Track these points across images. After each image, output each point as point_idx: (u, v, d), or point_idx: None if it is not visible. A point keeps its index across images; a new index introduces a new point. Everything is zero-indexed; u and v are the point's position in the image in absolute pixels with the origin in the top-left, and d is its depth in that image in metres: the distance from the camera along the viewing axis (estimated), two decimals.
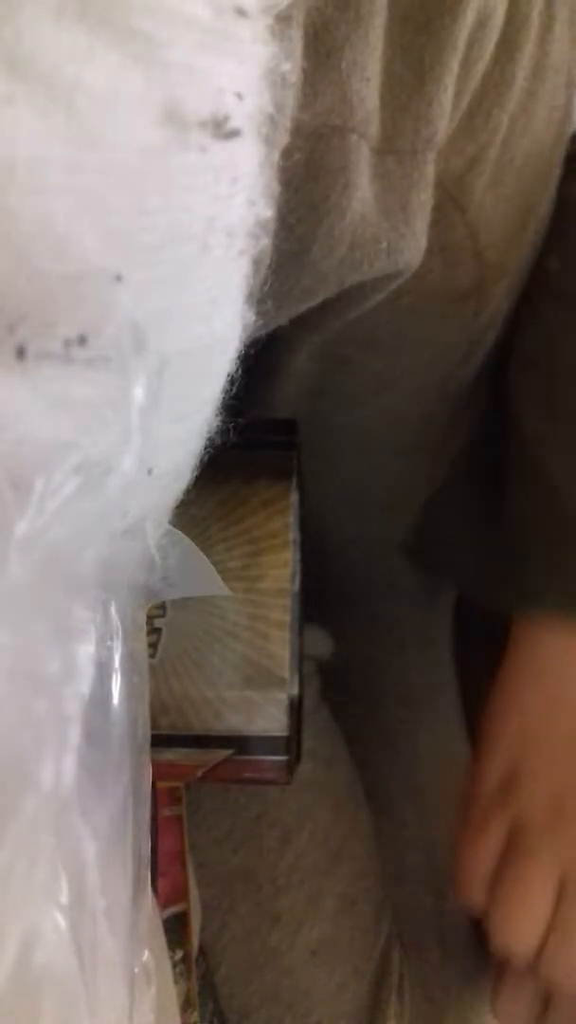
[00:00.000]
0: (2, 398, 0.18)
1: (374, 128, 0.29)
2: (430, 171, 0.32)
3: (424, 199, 0.33)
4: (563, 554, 0.42)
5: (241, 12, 0.20)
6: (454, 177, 0.35)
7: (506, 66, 0.34)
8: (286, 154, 0.24)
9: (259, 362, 0.26)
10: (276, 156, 0.22)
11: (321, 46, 0.26)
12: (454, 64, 0.31)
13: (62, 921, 0.23)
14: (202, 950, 0.47)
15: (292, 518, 0.38)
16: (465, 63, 0.32)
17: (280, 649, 0.37)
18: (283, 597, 0.37)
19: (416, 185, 0.32)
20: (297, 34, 0.24)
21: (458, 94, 0.32)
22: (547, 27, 0.36)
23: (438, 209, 0.35)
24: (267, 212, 0.22)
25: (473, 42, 0.32)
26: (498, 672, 0.45)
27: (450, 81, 0.31)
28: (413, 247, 0.34)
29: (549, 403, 0.43)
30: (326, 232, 0.29)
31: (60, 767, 0.23)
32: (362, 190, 0.30)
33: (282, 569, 0.37)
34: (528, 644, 0.44)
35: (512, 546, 0.44)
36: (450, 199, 0.35)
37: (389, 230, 0.32)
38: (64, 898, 0.23)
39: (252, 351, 0.26)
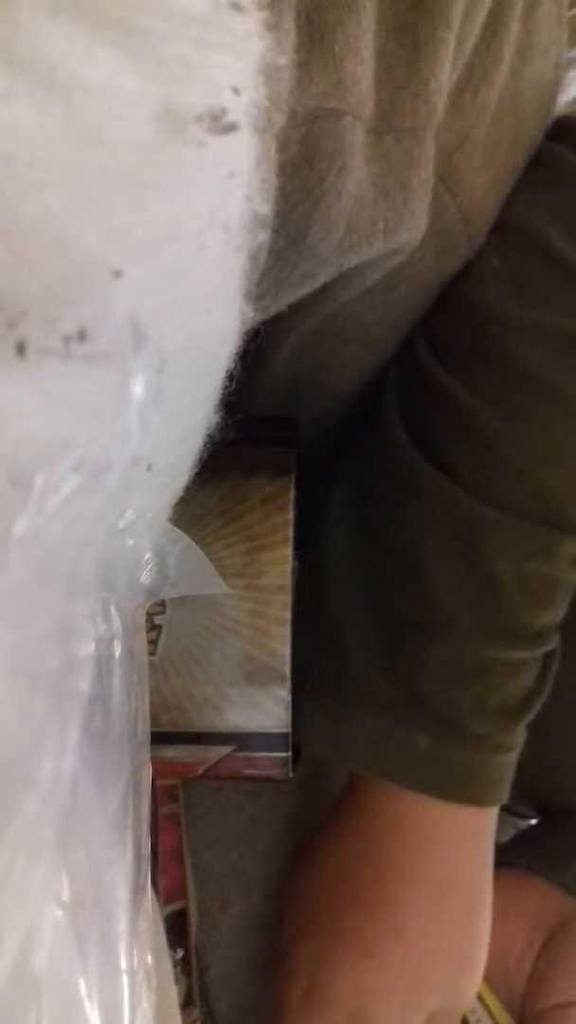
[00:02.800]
0: (2, 395, 0.18)
1: (369, 109, 0.29)
2: (429, 149, 0.32)
3: (424, 177, 0.33)
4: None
5: (236, 6, 0.20)
6: (444, 158, 0.35)
7: (491, 42, 0.34)
8: (281, 139, 0.24)
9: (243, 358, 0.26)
10: (273, 151, 0.22)
11: (314, 29, 0.26)
12: (450, 39, 0.31)
13: (62, 921, 0.23)
14: (196, 950, 0.47)
15: (292, 514, 0.38)
16: (458, 38, 0.31)
17: (280, 646, 0.37)
18: (283, 593, 0.37)
19: (416, 163, 0.32)
20: (290, 24, 0.24)
21: (452, 70, 0.32)
22: (532, 5, 0.36)
23: (435, 199, 0.35)
24: (264, 208, 0.22)
25: (466, 17, 0.32)
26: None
27: (446, 56, 0.31)
28: (412, 227, 0.33)
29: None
30: (323, 215, 0.29)
31: (60, 766, 0.23)
32: (358, 172, 0.30)
33: (282, 565, 0.37)
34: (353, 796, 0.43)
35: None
36: (441, 181, 0.35)
37: (387, 210, 0.32)
38: (64, 897, 0.23)
39: (252, 348, 0.26)
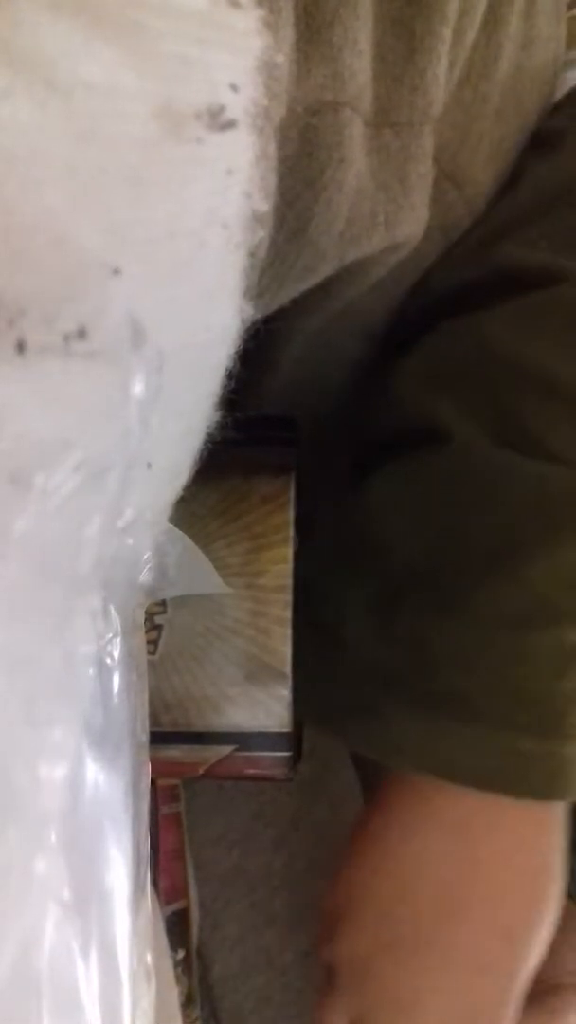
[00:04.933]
0: (2, 393, 0.18)
1: (367, 102, 0.29)
2: (428, 143, 0.32)
3: (423, 171, 0.33)
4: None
5: (235, 4, 0.20)
6: (449, 155, 0.35)
7: (491, 37, 0.34)
8: (280, 133, 0.24)
9: (248, 357, 0.26)
10: (272, 148, 0.22)
11: (312, 21, 0.26)
12: (446, 33, 0.31)
13: (62, 921, 0.23)
14: (198, 950, 0.47)
15: (292, 514, 0.38)
16: (456, 32, 0.32)
17: (281, 645, 0.37)
18: (284, 593, 0.37)
19: (414, 157, 0.32)
20: (289, 20, 0.24)
21: (451, 65, 0.32)
22: (532, 1, 0.36)
23: (436, 187, 0.35)
24: (263, 205, 0.22)
25: (463, 12, 0.32)
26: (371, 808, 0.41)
27: (443, 51, 0.31)
28: (412, 220, 0.33)
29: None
30: (323, 208, 0.29)
31: (59, 766, 0.23)
32: (357, 164, 0.30)
33: (283, 565, 0.37)
34: (391, 788, 0.41)
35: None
36: (447, 178, 0.35)
37: (386, 203, 0.32)
38: (64, 897, 0.23)
39: (251, 346, 0.26)
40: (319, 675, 0.38)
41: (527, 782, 0.36)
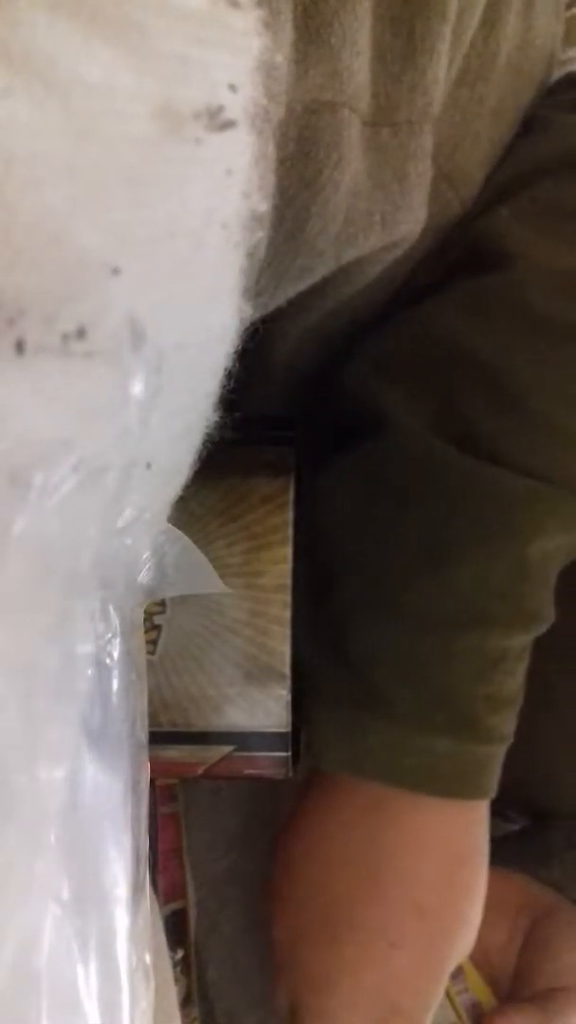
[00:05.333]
0: (1, 393, 0.18)
1: (365, 102, 0.29)
2: (427, 142, 0.32)
3: (422, 170, 0.33)
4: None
5: (234, 4, 0.20)
6: (446, 156, 0.35)
7: (488, 37, 0.34)
8: (279, 133, 0.24)
9: (243, 356, 0.26)
10: (271, 148, 0.22)
11: (310, 22, 0.26)
12: (446, 32, 0.31)
13: (62, 920, 0.23)
14: (195, 949, 0.47)
15: (291, 514, 0.38)
16: (454, 31, 0.32)
17: (280, 645, 0.37)
18: (283, 593, 0.37)
19: (413, 156, 0.32)
20: (287, 20, 0.24)
21: (449, 63, 0.32)
22: (530, 1, 0.36)
23: (432, 187, 0.35)
24: (262, 205, 0.22)
25: (462, 10, 0.32)
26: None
27: (443, 50, 0.31)
28: (410, 219, 0.33)
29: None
30: (320, 208, 0.29)
31: (59, 766, 0.23)
32: (355, 164, 0.30)
33: (282, 565, 0.37)
34: (315, 775, 0.41)
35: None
36: (444, 179, 0.35)
37: (384, 202, 0.32)
38: (64, 897, 0.23)
39: (251, 346, 0.26)
40: None
41: (438, 781, 0.37)
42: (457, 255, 0.38)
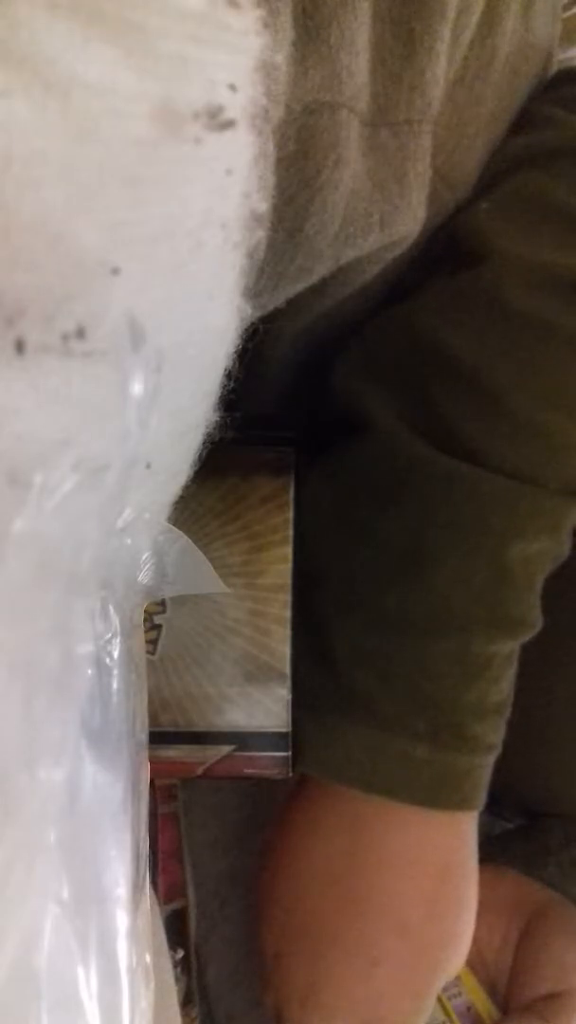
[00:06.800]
0: (1, 393, 0.18)
1: (364, 102, 0.29)
2: (426, 142, 0.32)
3: (421, 170, 0.33)
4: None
5: (233, 4, 0.20)
6: (444, 155, 0.35)
7: (487, 38, 0.34)
8: (278, 133, 0.24)
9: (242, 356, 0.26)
10: (270, 148, 0.22)
11: (310, 22, 0.26)
12: (445, 32, 0.31)
13: (62, 920, 0.23)
14: (196, 951, 0.47)
15: (291, 513, 0.38)
16: (453, 31, 0.31)
17: (280, 645, 0.37)
18: (283, 593, 0.37)
19: (412, 157, 0.32)
20: (287, 21, 0.24)
21: (448, 64, 0.32)
22: (529, 3, 0.36)
23: (430, 188, 0.35)
24: (262, 205, 0.22)
25: (461, 10, 0.32)
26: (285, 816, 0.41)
27: (442, 49, 0.31)
28: (409, 219, 0.33)
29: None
30: (319, 208, 0.29)
31: (59, 765, 0.23)
32: (354, 164, 0.30)
33: (282, 564, 0.37)
34: (301, 785, 0.40)
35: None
36: (442, 179, 0.35)
37: (382, 203, 0.32)
38: (64, 897, 0.23)
39: (250, 345, 0.26)
40: None
41: (417, 790, 0.36)
42: (438, 250, 0.38)
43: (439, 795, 0.37)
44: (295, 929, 0.39)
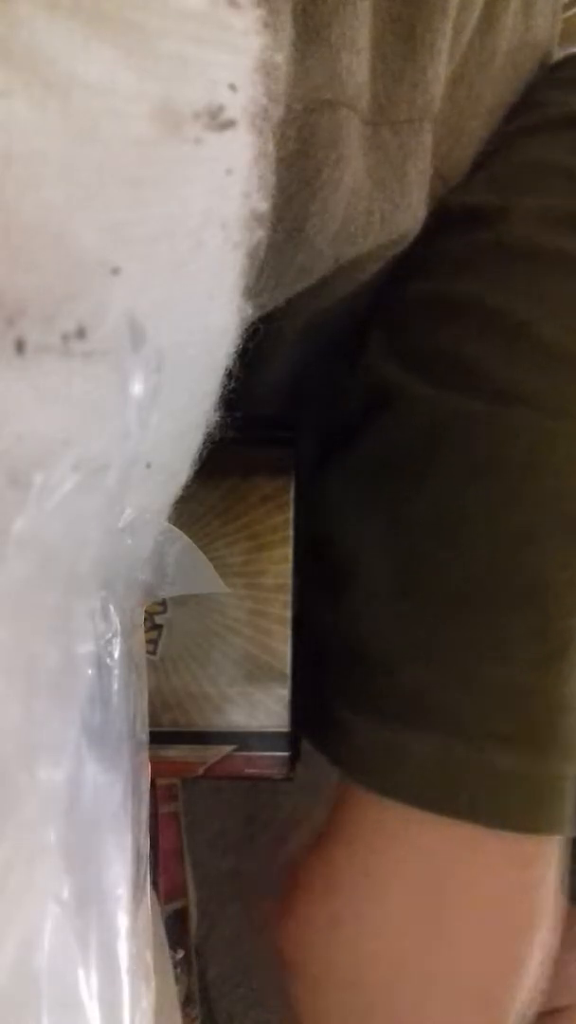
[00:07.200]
0: (1, 393, 0.18)
1: (365, 100, 0.29)
2: (427, 140, 0.32)
3: (422, 168, 0.32)
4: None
5: (234, 3, 0.20)
6: (442, 153, 0.35)
7: (486, 35, 0.34)
8: (278, 133, 0.24)
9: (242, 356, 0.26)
10: (271, 147, 0.22)
11: (310, 21, 0.26)
12: (447, 29, 0.31)
13: (62, 920, 0.23)
14: (196, 951, 0.47)
15: (292, 513, 0.38)
16: (454, 28, 0.31)
17: (281, 645, 0.37)
18: (284, 593, 0.37)
19: (413, 155, 0.32)
20: (287, 20, 0.24)
21: (448, 61, 0.32)
22: (529, 1, 0.36)
23: (430, 186, 0.35)
24: (262, 205, 0.22)
25: (462, 8, 0.32)
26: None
27: (444, 46, 0.31)
28: (409, 218, 0.33)
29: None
30: (320, 207, 0.29)
31: (59, 765, 0.23)
32: (354, 163, 0.29)
33: (283, 564, 0.37)
34: (345, 809, 0.33)
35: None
36: (438, 175, 0.35)
37: (383, 201, 0.32)
38: (64, 896, 0.23)
39: (251, 346, 0.26)
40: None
41: (506, 810, 0.30)
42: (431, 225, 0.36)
43: (536, 816, 0.30)
44: (362, 1011, 0.31)
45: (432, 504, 0.31)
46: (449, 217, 0.36)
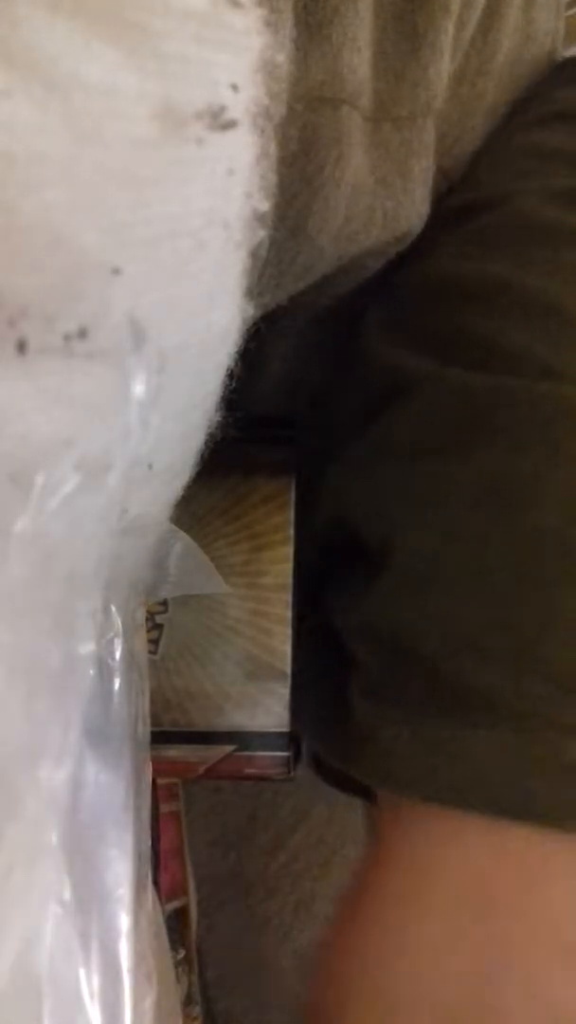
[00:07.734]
0: (3, 393, 0.18)
1: (366, 98, 0.29)
2: (430, 137, 0.32)
3: (425, 165, 0.32)
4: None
5: (235, 3, 0.20)
6: (444, 150, 0.35)
7: (488, 32, 0.34)
8: (280, 132, 0.24)
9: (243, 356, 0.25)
10: (273, 147, 0.22)
11: (311, 19, 0.26)
12: (449, 27, 0.30)
13: (63, 920, 0.23)
14: (196, 951, 0.47)
15: (292, 513, 0.38)
16: (457, 25, 0.31)
17: (282, 644, 0.37)
18: (285, 592, 0.37)
19: (416, 151, 0.32)
20: (289, 19, 0.24)
21: (451, 58, 0.32)
22: None
23: (433, 186, 0.35)
24: (264, 205, 0.22)
25: (464, 5, 0.32)
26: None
27: (446, 43, 0.31)
28: (413, 215, 0.33)
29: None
30: (322, 205, 0.29)
31: (60, 766, 0.23)
32: (356, 160, 0.29)
33: (284, 564, 0.37)
34: (388, 830, 0.30)
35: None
36: (440, 172, 0.35)
37: (386, 199, 0.32)
38: (65, 897, 0.23)
39: (252, 345, 0.26)
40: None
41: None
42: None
43: None
44: None
45: (477, 480, 0.29)
46: (447, 204, 0.36)
